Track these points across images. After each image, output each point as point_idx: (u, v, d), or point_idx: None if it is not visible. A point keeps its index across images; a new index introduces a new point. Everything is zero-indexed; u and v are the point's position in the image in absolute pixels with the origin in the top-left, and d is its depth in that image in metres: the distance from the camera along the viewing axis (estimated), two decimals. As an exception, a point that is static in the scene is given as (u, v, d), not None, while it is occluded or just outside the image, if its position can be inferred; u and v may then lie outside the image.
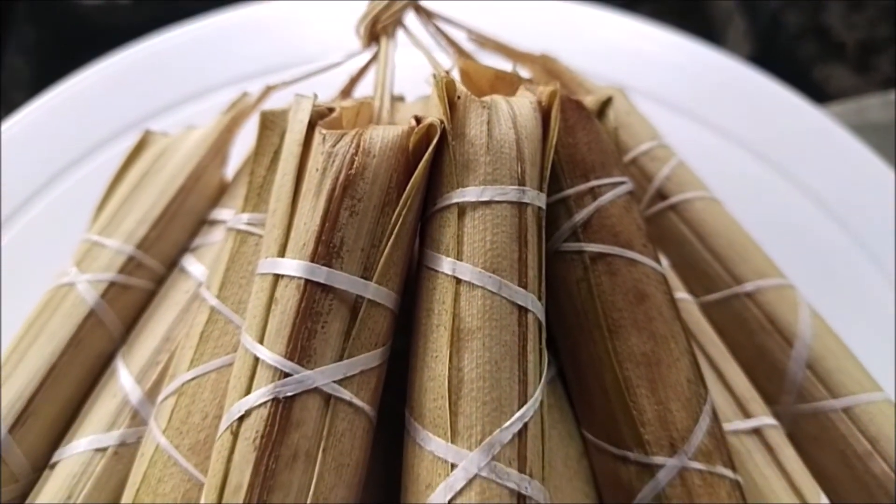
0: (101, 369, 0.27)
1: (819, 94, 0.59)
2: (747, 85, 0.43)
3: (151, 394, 0.25)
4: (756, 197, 0.37)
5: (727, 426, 0.25)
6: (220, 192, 0.30)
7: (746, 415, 0.25)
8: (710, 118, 0.40)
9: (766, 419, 0.25)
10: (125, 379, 0.25)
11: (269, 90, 0.30)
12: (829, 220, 0.38)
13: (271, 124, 0.26)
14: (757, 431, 0.25)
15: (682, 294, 0.28)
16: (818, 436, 0.26)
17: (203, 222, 0.29)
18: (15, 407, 0.25)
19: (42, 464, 0.25)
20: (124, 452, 0.24)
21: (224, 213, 0.29)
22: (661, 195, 0.29)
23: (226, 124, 0.30)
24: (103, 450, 0.24)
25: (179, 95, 0.39)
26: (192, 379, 0.23)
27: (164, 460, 0.22)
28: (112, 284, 0.27)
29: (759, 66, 0.47)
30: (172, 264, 0.29)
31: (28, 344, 0.26)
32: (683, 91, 0.40)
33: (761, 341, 0.27)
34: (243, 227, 0.25)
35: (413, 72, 0.29)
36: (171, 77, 0.41)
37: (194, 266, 0.27)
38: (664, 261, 0.29)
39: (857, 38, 0.71)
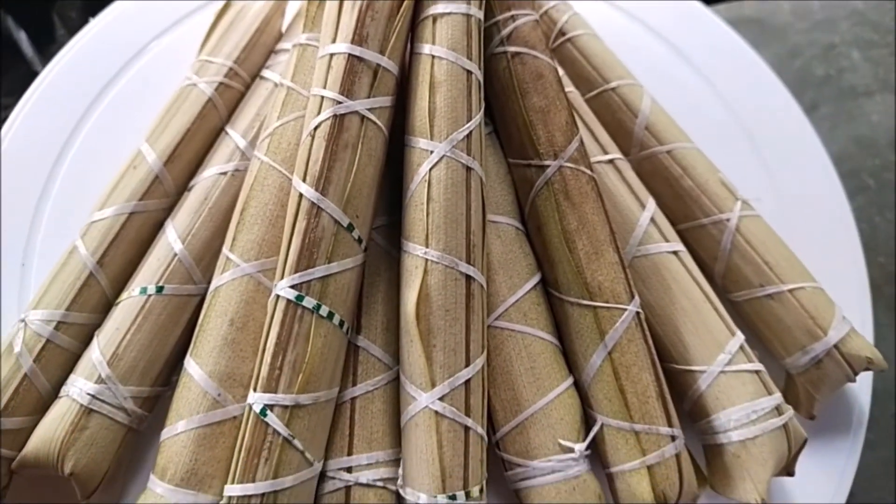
0: (214, 139, 0.43)
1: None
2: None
3: (251, 144, 0.41)
4: (644, 58, 0.53)
5: (592, 159, 0.41)
6: (280, 36, 0.47)
7: (605, 153, 0.42)
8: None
9: (617, 155, 0.42)
10: (234, 135, 0.42)
11: (311, -33, 0.46)
12: (695, 77, 0.55)
13: (319, -20, 0.42)
14: (611, 161, 0.42)
15: (571, 88, 0.45)
16: (651, 170, 0.43)
17: (272, 51, 0.46)
18: (166, 152, 0.41)
19: (184, 187, 0.42)
20: (238, 175, 0.41)
21: (286, 45, 0.45)
22: (562, 32, 0.46)
23: (283, -11, 0.47)
24: (224, 173, 0.41)
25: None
26: (279, 125, 0.40)
27: (266, 168, 0.39)
28: (220, 84, 0.43)
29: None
30: (254, 76, 0.45)
31: (168, 120, 0.42)
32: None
33: (619, 117, 0.44)
34: (304, 42, 0.41)
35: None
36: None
37: (270, 74, 0.44)
38: (562, 72, 0.45)
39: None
